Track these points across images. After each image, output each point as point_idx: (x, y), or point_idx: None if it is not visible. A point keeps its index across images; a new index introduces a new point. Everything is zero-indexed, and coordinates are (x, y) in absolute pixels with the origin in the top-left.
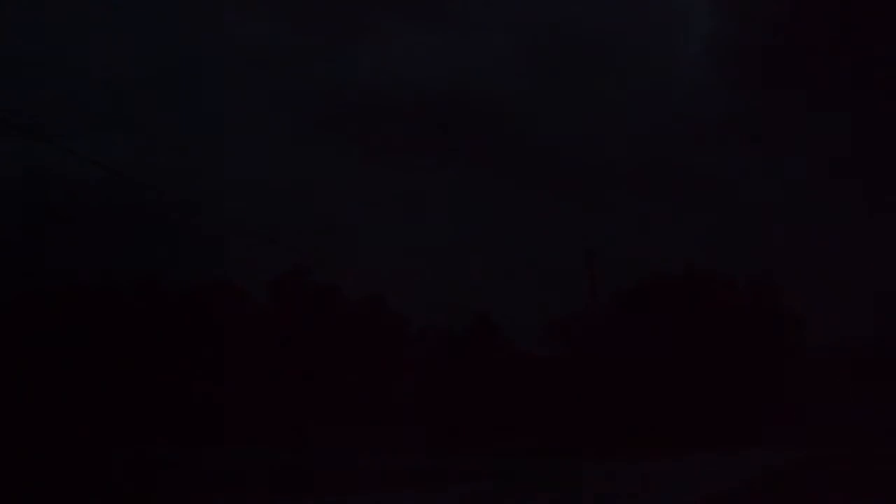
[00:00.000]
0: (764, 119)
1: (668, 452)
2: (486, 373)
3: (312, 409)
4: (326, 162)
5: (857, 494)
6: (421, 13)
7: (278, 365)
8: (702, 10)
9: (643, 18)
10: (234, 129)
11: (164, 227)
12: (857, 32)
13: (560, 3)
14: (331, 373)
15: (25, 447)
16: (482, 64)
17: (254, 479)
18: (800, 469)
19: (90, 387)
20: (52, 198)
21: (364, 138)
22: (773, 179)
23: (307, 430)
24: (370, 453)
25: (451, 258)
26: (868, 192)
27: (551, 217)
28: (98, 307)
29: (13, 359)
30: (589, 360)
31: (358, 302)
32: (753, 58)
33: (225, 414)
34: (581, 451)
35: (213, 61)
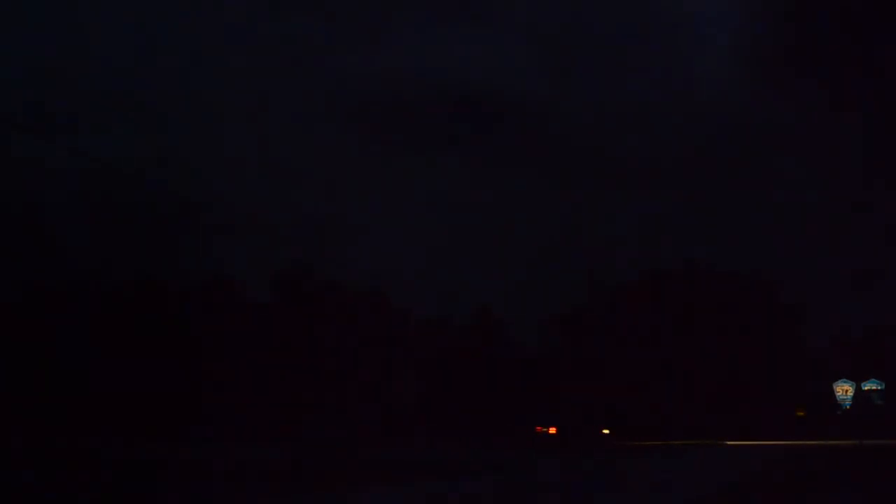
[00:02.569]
0: (774, 116)
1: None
2: (488, 365)
3: (314, 403)
4: (331, 152)
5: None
6: (450, 13)
7: (280, 360)
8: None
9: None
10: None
11: (165, 224)
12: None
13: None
14: (332, 367)
15: (29, 445)
16: (504, 60)
17: (256, 474)
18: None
19: (91, 385)
20: (52, 195)
21: (372, 130)
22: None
23: (309, 425)
24: (375, 446)
25: (453, 251)
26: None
27: (553, 211)
28: (98, 304)
29: (12, 357)
30: (589, 354)
31: (360, 296)
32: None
33: (226, 410)
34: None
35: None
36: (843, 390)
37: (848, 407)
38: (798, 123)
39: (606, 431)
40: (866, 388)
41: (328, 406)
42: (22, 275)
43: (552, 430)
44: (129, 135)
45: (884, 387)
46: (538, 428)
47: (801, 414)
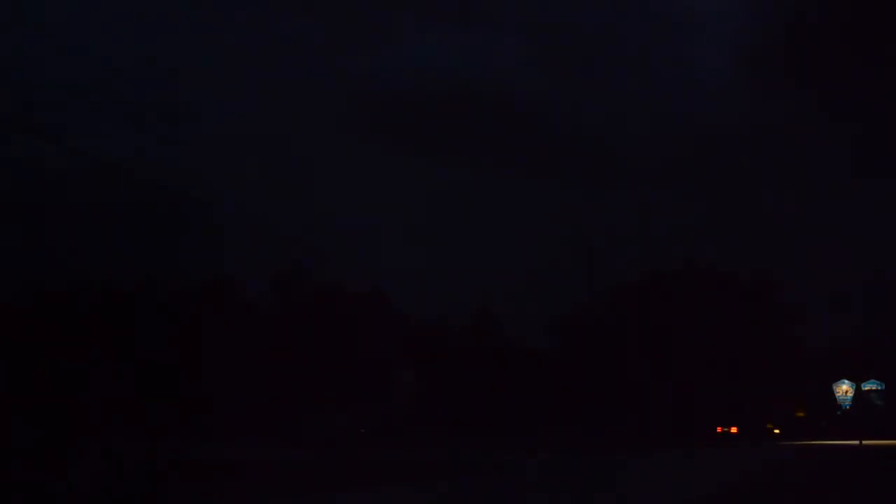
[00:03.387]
0: (775, 116)
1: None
2: (487, 365)
3: (314, 404)
4: (331, 152)
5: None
6: (450, 13)
7: (280, 360)
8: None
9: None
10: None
11: (165, 224)
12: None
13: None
14: (332, 367)
15: (26, 447)
16: (504, 60)
17: (255, 474)
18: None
19: (90, 384)
20: (51, 195)
21: (372, 130)
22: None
23: (309, 425)
24: (375, 446)
25: (453, 252)
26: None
27: (554, 211)
28: (97, 304)
29: (11, 357)
30: (590, 353)
31: (359, 297)
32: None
33: (226, 410)
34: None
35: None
36: (843, 390)
37: (848, 407)
38: (799, 124)
39: (777, 431)
40: (866, 388)
41: (328, 406)
42: (22, 275)
43: (733, 430)
44: (129, 134)
45: (884, 387)
46: (719, 428)
47: (801, 414)
